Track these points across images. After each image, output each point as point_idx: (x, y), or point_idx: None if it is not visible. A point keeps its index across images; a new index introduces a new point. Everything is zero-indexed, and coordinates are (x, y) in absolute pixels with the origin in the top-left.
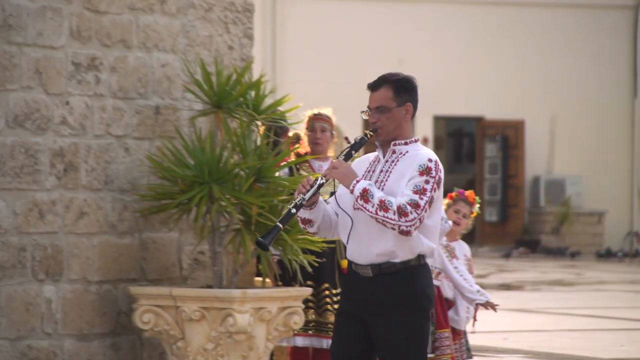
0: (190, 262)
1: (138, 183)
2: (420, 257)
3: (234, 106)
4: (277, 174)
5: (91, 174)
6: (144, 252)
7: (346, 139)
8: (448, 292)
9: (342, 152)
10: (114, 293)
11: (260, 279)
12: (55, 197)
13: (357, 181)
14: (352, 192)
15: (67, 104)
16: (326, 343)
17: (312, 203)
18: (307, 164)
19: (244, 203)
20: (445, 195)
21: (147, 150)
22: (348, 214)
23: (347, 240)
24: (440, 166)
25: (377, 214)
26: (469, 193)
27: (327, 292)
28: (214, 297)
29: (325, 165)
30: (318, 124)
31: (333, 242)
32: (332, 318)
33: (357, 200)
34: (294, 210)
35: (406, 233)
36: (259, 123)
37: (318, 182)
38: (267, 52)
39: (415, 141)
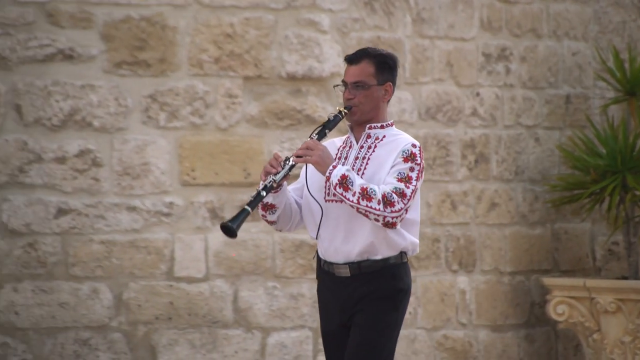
0: (604, 252)
1: (549, 173)
2: (403, 255)
3: None
4: None
5: (502, 165)
6: (556, 242)
7: None
8: None
9: (314, 130)
10: (527, 284)
11: None
12: (466, 188)
13: (334, 167)
14: (328, 179)
15: (478, 95)
16: None
17: (277, 186)
18: None
19: None
20: None
21: (558, 140)
22: (319, 202)
23: (317, 234)
24: (423, 153)
25: (359, 203)
26: None
27: None
28: (631, 288)
29: None
30: None
31: None
32: None
33: (335, 188)
34: (264, 193)
35: (391, 225)
36: None
37: (290, 163)
38: None
39: (391, 124)
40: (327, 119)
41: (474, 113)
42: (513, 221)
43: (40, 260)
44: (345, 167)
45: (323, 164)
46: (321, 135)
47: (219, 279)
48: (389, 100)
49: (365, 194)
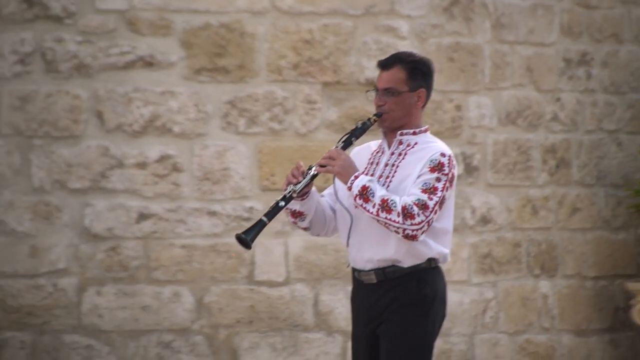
0: None
1: (631, 178)
2: (431, 261)
3: None
4: None
5: (583, 170)
6: None
7: None
8: None
9: (340, 138)
10: (610, 289)
11: None
12: (547, 193)
13: (356, 177)
14: (349, 189)
15: (558, 100)
16: None
17: (303, 194)
18: None
19: None
20: None
21: None
22: (347, 209)
23: (347, 241)
24: (454, 162)
25: (378, 215)
26: None
27: None
28: None
29: None
30: None
31: None
32: None
33: (355, 199)
34: (282, 204)
35: (412, 238)
36: None
37: (311, 173)
38: None
39: (425, 130)
40: (355, 126)
41: (555, 118)
42: (595, 226)
43: (122, 264)
44: (367, 178)
45: (345, 174)
46: (347, 143)
47: (299, 282)
48: (424, 106)
49: (385, 206)
